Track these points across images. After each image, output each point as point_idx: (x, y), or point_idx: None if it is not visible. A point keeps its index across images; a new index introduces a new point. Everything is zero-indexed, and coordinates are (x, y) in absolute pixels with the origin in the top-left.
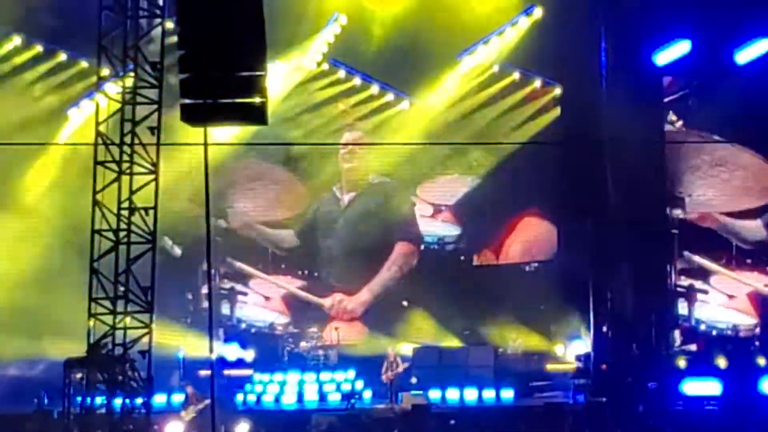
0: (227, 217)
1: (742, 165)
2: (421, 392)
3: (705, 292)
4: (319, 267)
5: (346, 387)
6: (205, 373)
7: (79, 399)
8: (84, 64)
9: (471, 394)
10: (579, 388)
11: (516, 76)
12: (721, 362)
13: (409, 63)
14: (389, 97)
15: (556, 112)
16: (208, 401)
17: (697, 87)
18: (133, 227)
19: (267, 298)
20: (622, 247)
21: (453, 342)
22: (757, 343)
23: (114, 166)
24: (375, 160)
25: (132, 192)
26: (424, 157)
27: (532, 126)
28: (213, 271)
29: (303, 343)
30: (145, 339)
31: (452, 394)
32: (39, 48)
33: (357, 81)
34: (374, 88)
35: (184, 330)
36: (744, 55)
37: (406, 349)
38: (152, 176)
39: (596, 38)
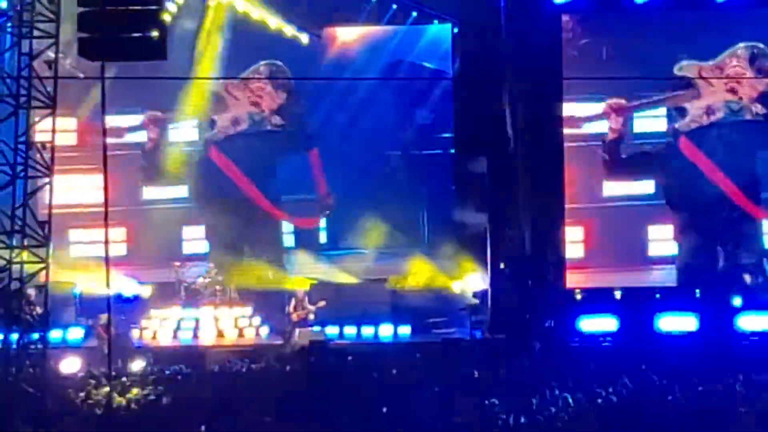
0: None
1: None
2: (318, 328)
3: None
4: None
5: (243, 323)
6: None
7: None
8: None
9: (368, 331)
10: (476, 324)
11: (414, 14)
12: (617, 294)
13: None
14: (288, 29)
15: None
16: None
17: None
18: (30, 162)
19: None
20: (520, 185)
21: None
22: None
23: (11, 100)
24: None
25: (29, 126)
26: None
27: None
28: None
29: (200, 279)
30: (42, 274)
31: (349, 331)
32: None
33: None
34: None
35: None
36: None
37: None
38: (50, 110)
39: None
